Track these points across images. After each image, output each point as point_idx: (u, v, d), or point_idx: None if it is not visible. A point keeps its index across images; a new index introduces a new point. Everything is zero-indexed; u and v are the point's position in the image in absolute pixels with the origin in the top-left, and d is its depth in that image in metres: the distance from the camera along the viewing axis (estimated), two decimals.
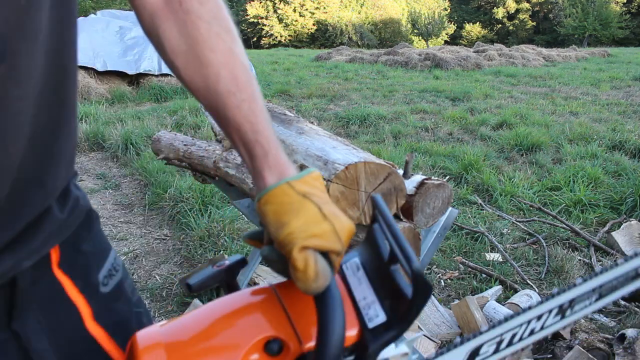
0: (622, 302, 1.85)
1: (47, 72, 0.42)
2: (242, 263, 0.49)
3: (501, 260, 2.24)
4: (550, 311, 0.59)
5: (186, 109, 5.33)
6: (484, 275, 2.11)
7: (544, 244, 2.35)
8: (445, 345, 1.58)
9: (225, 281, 0.49)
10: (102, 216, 2.90)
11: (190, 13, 0.47)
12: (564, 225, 2.52)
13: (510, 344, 0.58)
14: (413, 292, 0.41)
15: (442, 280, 2.13)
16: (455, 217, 1.11)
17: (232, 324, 0.43)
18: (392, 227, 0.44)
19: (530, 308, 0.58)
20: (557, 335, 1.64)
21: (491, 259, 2.25)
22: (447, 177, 3.22)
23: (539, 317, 0.58)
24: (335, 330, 0.40)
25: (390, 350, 0.48)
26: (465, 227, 2.53)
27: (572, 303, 0.60)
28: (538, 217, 2.67)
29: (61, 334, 0.49)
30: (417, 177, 1.00)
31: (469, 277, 2.13)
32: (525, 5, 33.57)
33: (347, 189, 0.87)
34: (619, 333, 1.52)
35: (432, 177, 1.01)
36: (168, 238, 2.62)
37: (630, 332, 1.48)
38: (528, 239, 2.48)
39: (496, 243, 2.34)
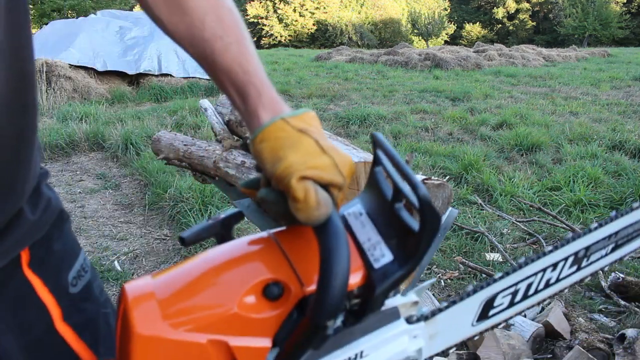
0: (622, 302, 1.85)
1: (7, 77, 0.42)
2: (239, 216, 0.47)
3: (501, 260, 2.24)
4: (566, 259, 0.56)
5: (186, 109, 5.33)
6: (484, 275, 2.11)
7: (544, 244, 2.35)
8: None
9: (221, 234, 0.46)
10: (102, 216, 2.90)
11: None
12: (564, 226, 2.52)
13: (525, 296, 0.56)
14: (421, 223, 0.39)
15: (442, 280, 2.13)
16: (455, 217, 1.11)
17: (228, 270, 0.41)
18: (394, 158, 0.42)
19: (545, 254, 0.55)
20: (557, 335, 1.64)
21: (491, 259, 2.26)
22: (447, 177, 3.22)
23: (554, 266, 0.56)
24: (339, 262, 0.37)
25: (399, 299, 0.46)
26: (465, 227, 2.53)
27: (588, 251, 0.58)
28: (538, 217, 2.67)
29: (30, 334, 0.49)
30: (417, 177, 1.00)
31: (469, 277, 2.13)
32: (525, 5, 33.58)
33: (347, 189, 0.87)
34: (619, 333, 1.52)
35: (432, 177, 1.00)
36: (168, 238, 2.62)
37: (630, 332, 1.48)
38: (528, 239, 2.48)
39: (496, 243, 2.34)
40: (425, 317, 0.49)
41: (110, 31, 7.07)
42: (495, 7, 34.58)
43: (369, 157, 0.92)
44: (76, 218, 2.82)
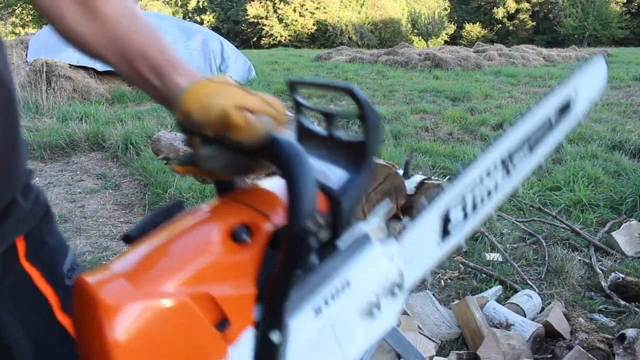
0: (622, 302, 1.86)
1: None
2: (179, 206, 0.45)
3: (501, 260, 2.24)
4: (495, 166, 0.62)
5: None
6: (484, 275, 2.11)
7: (544, 244, 2.35)
8: (444, 344, 1.58)
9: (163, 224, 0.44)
10: (102, 216, 2.90)
11: None
12: (564, 225, 2.52)
13: (474, 207, 0.61)
14: (363, 123, 0.42)
15: (442, 280, 2.13)
16: None
17: (190, 231, 0.40)
18: (313, 83, 0.44)
19: (476, 159, 0.61)
20: (557, 335, 1.64)
21: (491, 259, 2.26)
22: (447, 177, 3.22)
23: (488, 173, 0.62)
24: (303, 162, 0.37)
25: (366, 226, 0.47)
26: None
27: (511, 157, 0.64)
28: (538, 217, 2.67)
29: (34, 324, 0.50)
30: (417, 177, 1.00)
31: (469, 277, 2.13)
32: (525, 5, 33.57)
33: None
34: (619, 333, 1.52)
35: (432, 177, 1.01)
36: None
37: (630, 332, 1.48)
38: (528, 239, 2.48)
39: (496, 243, 2.34)
40: (394, 237, 0.50)
41: None
42: (495, 7, 34.57)
43: None
44: (76, 218, 2.82)
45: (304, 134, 0.48)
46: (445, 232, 0.57)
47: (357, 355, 0.46)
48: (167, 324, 0.35)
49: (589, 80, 0.79)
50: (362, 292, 0.45)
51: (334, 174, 0.43)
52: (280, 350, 0.39)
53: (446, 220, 0.57)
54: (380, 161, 0.91)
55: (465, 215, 0.59)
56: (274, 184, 0.45)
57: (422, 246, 0.55)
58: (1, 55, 0.48)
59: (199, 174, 0.47)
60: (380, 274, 0.46)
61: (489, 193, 0.62)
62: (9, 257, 0.49)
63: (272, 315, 0.39)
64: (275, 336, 0.39)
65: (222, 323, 0.37)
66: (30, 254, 0.51)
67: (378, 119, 0.43)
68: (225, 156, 0.43)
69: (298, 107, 0.48)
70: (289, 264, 0.38)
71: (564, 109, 0.73)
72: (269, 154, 0.40)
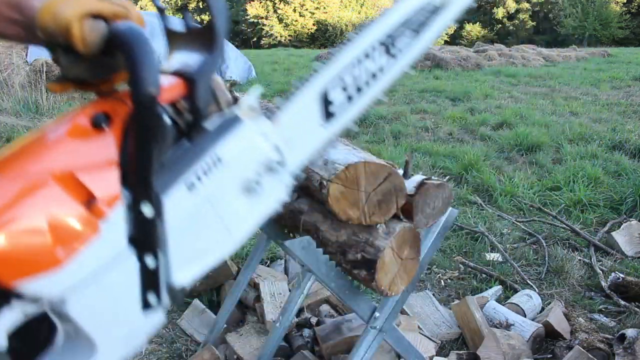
0: (622, 302, 1.86)
1: None
2: None
3: (501, 260, 2.24)
4: (373, 48, 0.60)
5: None
6: (484, 275, 2.11)
7: (544, 244, 2.35)
8: (440, 345, 1.58)
9: None
10: None
11: None
12: (564, 225, 2.52)
13: (359, 90, 0.60)
14: (211, 11, 0.46)
15: (442, 280, 2.13)
16: (455, 217, 1.11)
17: (58, 125, 0.42)
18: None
19: (350, 41, 0.60)
20: (557, 335, 1.64)
21: (491, 259, 2.25)
22: (447, 177, 3.22)
23: (366, 55, 0.60)
24: (143, 49, 0.39)
25: (236, 107, 0.49)
26: (465, 227, 2.53)
27: (393, 40, 0.62)
28: (538, 217, 2.67)
29: None
30: (417, 177, 1.00)
31: (469, 277, 2.13)
32: (525, 5, 33.56)
33: (347, 189, 0.87)
34: (619, 333, 1.52)
35: (432, 177, 1.01)
36: None
37: (630, 332, 1.49)
38: (528, 239, 2.48)
39: (496, 243, 2.34)
40: (268, 117, 0.52)
41: None
42: (495, 7, 34.56)
43: (369, 157, 0.93)
44: None
45: (170, 36, 0.52)
46: (329, 114, 0.57)
47: (246, 232, 0.49)
48: (37, 196, 0.35)
49: None
50: (235, 168, 0.46)
51: (192, 60, 0.46)
52: (156, 224, 0.40)
53: (326, 101, 0.57)
54: (380, 161, 0.91)
55: (350, 98, 0.59)
56: None
57: (303, 127, 0.55)
58: None
59: (74, 88, 0.49)
60: (253, 149, 0.48)
61: (374, 76, 0.62)
62: None
63: (139, 188, 0.40)
64: (146, 209, 0.40)
65: (89, 201, 0.39)
66: None
67: (223, 4, 0.47)
68: (84, 61, 0.45)
69: (161, 12, 0.52)
70: (142, 135, 0.40)
71: None
72: (114, 46, 0.43)
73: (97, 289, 0.40)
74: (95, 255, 0.39)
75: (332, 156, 0.93)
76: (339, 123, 0.59)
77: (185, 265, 0.45)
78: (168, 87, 0.44)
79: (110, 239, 0.40)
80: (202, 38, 0.48)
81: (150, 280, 0.43)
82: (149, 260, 0.42)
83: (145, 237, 0.41)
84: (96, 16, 0.45)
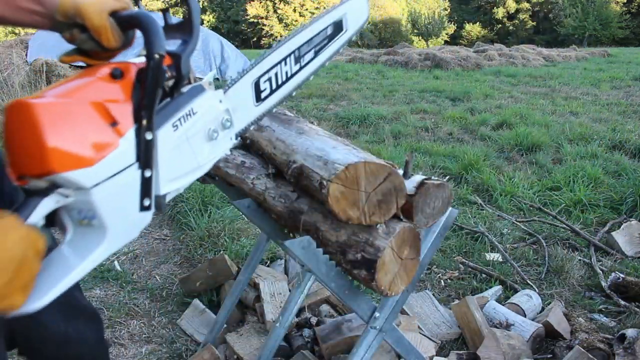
0: (622, 302, 1.85)
1: None
2: None
3: (501, 260, 2.24)
4: (289, 56, 0.86)
5: None
6: (484, 275, 2.11)
7: (544, 244, 2.35)
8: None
9: None
10: None
11: None
12: (564, 225, 2.52)
13: (278, 85, 0.85)
14: (188, 8, 0.65)
15: (442, 280, 2.13)
16: (455, 217, 1.11)
17: (87, 74, 0.60)
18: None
19: (273, 50, 0.84)
20: (557, 335, 1.64)
21: (491, 259, 2.25)
22: (447, 177, 3.22)
23: (285, 61, 0.85)
24: (155, 25, 0.59)
25: (202, 80, 0.69)
26: (465, 227, 2.53)
27: (300, 52, 0.88)
28: (538, 217, 2.67)
29: None
30: (417, 177, 1.00)
31: (469, 277, 2.13)
32: (525, 5, 33.56)
33: (347, 189, 0.87)
34: (619, 333, 1.52)
35: (432, 177, 1.01)
36: (168, 238, 2.62)
37: (630, 332, 1.48)
38: (528, 239, 2.48)
39: (496, 243, 2.34)
40: (222, 88, 0.74)
41: None
42: (495, 7, 34.55)
43: (369, 157, 0.92)
44: None
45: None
46: (259, 98, 0.82)
47: (205, 162, 0.68)
48: (79, 112, 0.54)
49: (354, 8, 0.98)
50: (203, 119, 0.66)
51: (175, 44, 0.66)
52: (153, 144, 0.59)
53: (258, 88, 0.82)
54: (380, 161, 0.91)
55: (272, 89, 0.84)
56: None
57: (243, 102, 0.79)
58: None
59: (83, 59, 0.67)
60: (214, 108, 0.69)
61: (287, 75, 0.86)
62: None
63: (144, 120, 0.58)
64: (148, 135, 0.59)
65: (113, 123, 0.56)
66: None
67: (198, 5, 0.65)
68: (91, 42, 0.65)
69: (164, 12, 0.71)
70: (151, 82, 0.58)
71: (338, 26, 0.95)
72: (131, 26, 0.65)
73: (114, 187, 0.56)
74: (115, 161, 0.56)
75: (332, 156, 0.93)
76: (266, 105, 0.85)
77: (168, 182, 0.63)
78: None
79: (125, 151, 0.57)
80: (183, 29, 0.67)
81: (146, 188, 0.59)
82: (147, 172, 0.59)
83: (145, 155, 0.58)
84: (113, 12, 0.63)
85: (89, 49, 0.65)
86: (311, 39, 0.89)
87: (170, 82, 0.64)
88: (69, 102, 0.53)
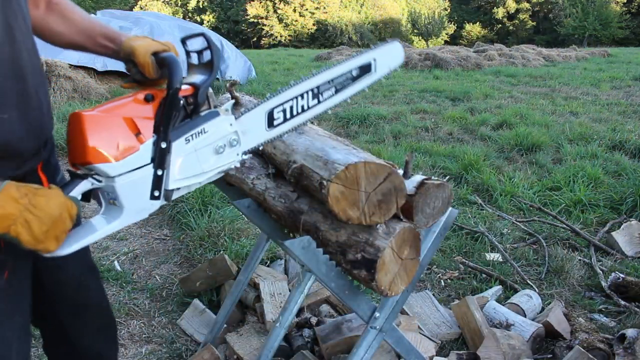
0: (622, 302, 1.86)
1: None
2: None
3: (501, 260, 2.24)
4: (308, 92, 0.96)
5: None
6: (484, 275, 2.11)
7: (544, 244, 2.35)
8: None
9: None
10: None
11: (59, 4, 0.92)
12: (564, 226, 2.52)
13: (292, 115, 0.95)
14: (211, 52, 0.83)
15: (442, 280, 2.13)
16: (455, 217, 1.11)
17: (128, 96, 0.79)
18: (187, 36, 0.89)
19: (292, 86, 0.95)
20: (557, 335, 1.64)
21: (491, 259, 2.25)
22: (447, 177, 3.22)
23: (302, 96, 0.95)
24: (176, 64, 0.79)
25: (219, 109, 0.85)
26: (465, 227, 2.53)
27: (319, 89, 0.97)
28: (538, 217, 2.67)
29: None
30: (417, 177, 1.00)
31: (469, 277, 2.13)
32: (525, 5, 33.56)
33: (347, 189, 0.87)
34: (619, 333, 1.52)
35: (432, 177, 1.00)
36: (168, 238, 2.62)
37: (630, 332, 1.48)
38: (528, 239, 2.48)
39: (496, 243, 2.34)
40: (235, 117, 0.88)
41: None
42: (495, 7, 34.55)
43: (369, 157, 0.92)
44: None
45: (189, 65, 0.90)
46: (271, 124, 0.93)
47: (209, 170, 0.84)
48: (113, 123, 0.74)
49: (386, 53, 1.05)
50: (212, 137, 0.84)
51: (198, 78, 0.84)
52: (166, 152, 0.78)
53: (271, 116, 0.93)
54: (380, 161, 0.91)
55: (285, 119, 0.95)
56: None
57: (254, 126, 0.91)
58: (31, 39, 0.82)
59: (136, 85, 0.89)
60: (222, 130, 0.85)
61: (303, 108, 0.96)
62: (33, 168, 0.83)
63: (162, 133, 0.78)
64: (163, 144, 0.78)
65: (137, 133, 0.76)
66: (43, 168, 0.87)
67: (218, 48, 0.84)
68: (140, 74, 0.87)
69: (183, 44, 0.90)
70: (168, 106, 0.78)
71: (366, 69, 1.02)
72: (163, 64, 0.84)
73: (132, 178, 0.76)
74: (134, 160, 0.76)
75: (332, 156, 0.92)
76: (277, 130, 0.95)
77: (175, 181, 0.81)
78: (184, 89, 0.82)
79: (143, 154, 0.77)
80: (205, 67, 0.86)
81: (157, 183, 0.79)
82: (159, 171, 0.78)
83: (159, 158, 0.78)
84: (155, 52, 0.84)
85: (139, 79, 0.88)
86: (332, 79, 0.98)
87: (191, 107, 0.82)
88: (107, 115, 0.74)
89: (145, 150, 0.76)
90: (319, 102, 0.97)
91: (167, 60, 0.80)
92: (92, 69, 6.48)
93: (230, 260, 1.91)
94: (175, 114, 0.78)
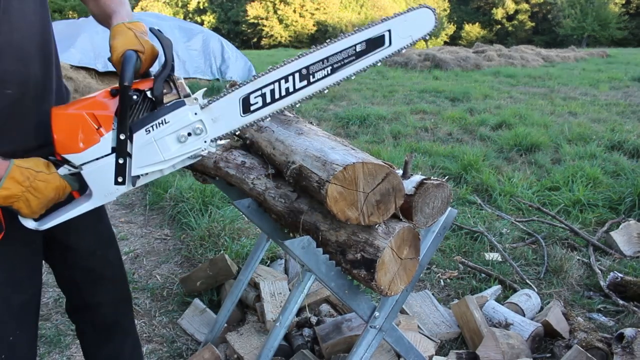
0: (621, 302, 1.86)
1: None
2: None
3: (500, 260, 2.25)
4: (293, 74, 0.91)
5: None
6: (483, 275, 2.12)
7: (543, 244, 2.36)
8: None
9: None
10: None
11: None
12: (563, 225, 2.53)
13: (273, 99, 0.92)
14: (162, 45, 0.85)
15: (441, 280, 2.14)
16: (454, 217, 1.12)
17: (95, 92, 0.87)
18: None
19: (274, 69, 0.90)
20: (556, 335, 1.65)
21: (490, 258, 2.26)
22: (447, 177, 3.22)
23: (286, 79, 0.91)
24: (127, 66, 0.82)
25: (186, 99, 0.87)
26: (464, 227, 2.54)
27: (309, 70, 0.91)
28: (537, 217, 2.68)
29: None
30: (417, 177, 1.01)
31: (468, 276, 2.14)
32: (525, 6, 33.58)
33: (345, 190, 0.87)
34: (618, 332, 1.53)
35: (432, 177, 1.01)
36: (169, 238, 2.62)
37: (628, 332, 1.49)
38: (527, 239, 2.49)
39: (495, 243, 2.35)
40: (202, 106, 0.88)
41: None
42: (494, 8, 34.57)
43: (367, 158, 0.93)
44: None
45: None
46: (247, 110, 0.91)
47: (171, 157, 0.88)
48: (75, 119, 0.82)
49: (406, 22, 0.94)
50: (173, 126, 0.86)
51: (158, 72, 0.87)
52: (125, 143, 0.84)
53: (247, 102, 0.91)
54: (378, 161, 0.91)
55: (264, 103, 0.91)
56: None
57: (227, 113, 0.90)
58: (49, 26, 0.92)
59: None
60: (185, 119, 0.87)
61: (288, 91, 0.92)
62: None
63: (120, 126, 0.83)
64: (121, 136, 0.83)
65: (98, 127, 0.83)
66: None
67: (168, 40, 0.86)
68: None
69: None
70: (122, 101, 0.82)
71: (376, 42, 0.93)
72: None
73: (95, 166, 0.84)
74: (96, 151, 0.83)
75: (330, 157, 0.93)
76: (253, 117, 0.93)
77: (138, 168, 0.87)
78: (145, 83, 0.86)
79: (104, 145, 0.84)
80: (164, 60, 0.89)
81: (120, 170, 0.85)
82: (120, 160, 0.85)
83: (119, 149, 0.84)
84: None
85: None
86: (326, 58, 0.91)
87: (147, 99, 0.87)
88: (72, 112, 0.83)
89: (105, 142, 0.83)
90: (308, 83, 0.91)
91: (121, 59, 0.83)
92: (93, 69, 6.49)
93: (230, 260, 1.92)
94: (131, 108, 0.83)
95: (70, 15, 18.87)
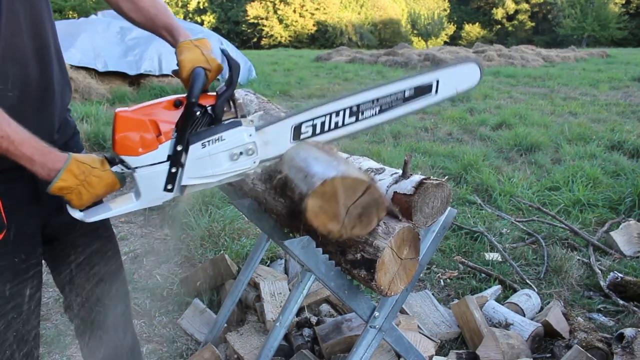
0: (621, 302, 1.86)
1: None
2: None
3: (500, 260, 2.25)
4: (344, 110, 0.96)
5: None
6: (483, 275, 2.12)
7: (543, 244, 2.36)
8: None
9: None
10: None
11: None
12: (563, 225, 2.53)
13: (322, 131, 0.97)
14: (230, 66, 0.91)
15: (441, 280, 2.14)
16: (454, 216, 1.12)
17: (160, 101, 0.90)
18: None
19: (327, 102, 0.94)
20: (556, 335, 1.65)
21: (490, 258, 2.26)
22: (447, 177, 3.22)
23: (337, 113, 0.96)
24: (196, 77, 0.88)
25: (243, 120, 0.92)
26: (464, 227, 2.54)
27: (360, 108, 0.97)
28: (537, 217, 2.68)
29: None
30: (416, 177, 1.01)
31: (468, 276, 2.14)
32: (525, 6, 33.58)
33: (325, 203, 0.84)
34: (618, 332, 1.53)
35: (431, 177, 1.01)
36: (169, 238, 2.62)
37: (628, 332, 1.49)
38: (527, 239, 2.49)
39: (495, 243, 2.35)
40: (257, 128, 0.92)
41: (111, 32, 7.07)
42: (494, 8, 34.58)
43: (347, 171, 0.87)
44: None
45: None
46: (297, 137, 0.96)
47: (221, 173, 0.91)
48: (138, 124, 0.86)
49: (454, 74, 1.00)
50: (228, 144, 0.90)
51: (222, 90, 0.91)
52: (181, 154, 0.88)
53: (298, 130, 0.95)
54: (358, 175, 0.88)
55: (314, 133, 0.97)
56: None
57: (279, 138, 0.95)
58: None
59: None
60: (240, 139, 0.91)
61: (336, 125, 0.97)
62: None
63: (178, 137, 0.87)
64: (179, 147, 0.87)
65: (158, 135, 0.87)
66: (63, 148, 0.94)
67: (236, 63, 0.91)
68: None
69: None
70: (185, 115, 0.87)
71: (424, 89, 0.98)
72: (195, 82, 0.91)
73: (149, 171, 0.88)
74: (152, 157, 0.87)
75: (312, 169, 0.88)
76: (302, 143, 0.96)
77: (188, 179, 0.90)
78: (209, 98, 0.90)
79: (161, 152, 0.87)
80: (228, 81, 0.92)
81: (171, 178, 0.89)
82: (173, 169, 0.89)
83: (174, 158, 0.88)
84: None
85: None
86: (377, 99, 0.96)
87: (208, 114, 0.91)
88: (137, 116, 0.87)
89: (163, 150, 0.87)
90: (357, 120, 0.95)
91: (191, 76, 0.88)
92: (93, 69, 6.49)
93: (230, 260, 1.92)
94: (192, 122, 0.87)
95: (70, 15, 18.88)
